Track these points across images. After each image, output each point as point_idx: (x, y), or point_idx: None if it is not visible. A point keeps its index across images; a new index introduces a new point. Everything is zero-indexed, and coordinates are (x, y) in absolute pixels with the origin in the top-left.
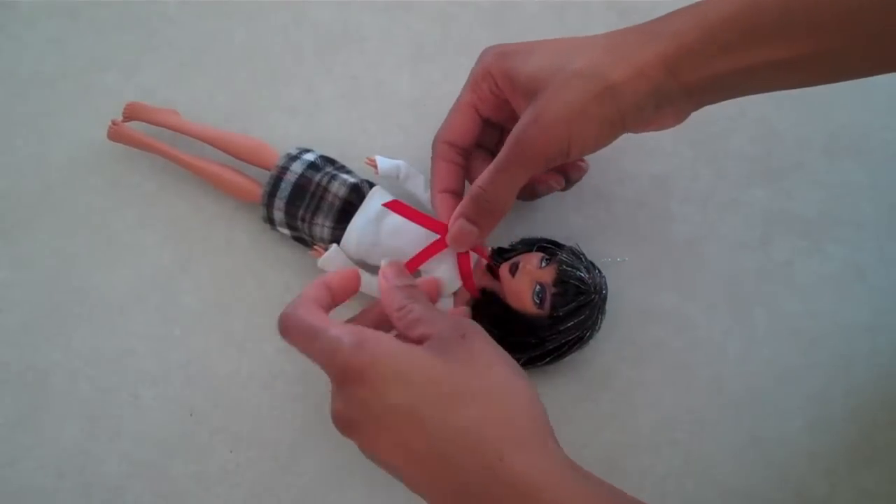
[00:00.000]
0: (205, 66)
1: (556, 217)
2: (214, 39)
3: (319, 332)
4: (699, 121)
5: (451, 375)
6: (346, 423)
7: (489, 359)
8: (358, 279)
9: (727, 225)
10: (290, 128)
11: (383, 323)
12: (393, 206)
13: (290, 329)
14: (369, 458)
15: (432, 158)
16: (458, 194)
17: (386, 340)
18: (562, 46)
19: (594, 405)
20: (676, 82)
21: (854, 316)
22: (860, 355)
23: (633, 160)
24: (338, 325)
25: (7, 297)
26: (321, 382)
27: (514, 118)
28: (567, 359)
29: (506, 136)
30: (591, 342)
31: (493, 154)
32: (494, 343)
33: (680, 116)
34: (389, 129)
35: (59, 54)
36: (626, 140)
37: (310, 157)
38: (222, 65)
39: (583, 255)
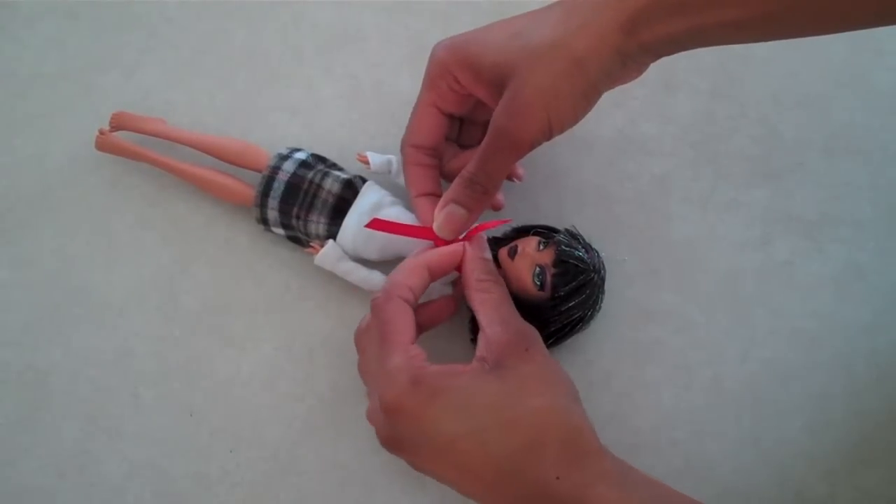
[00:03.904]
0: (205, 67)
1: (556, 217)
2: (214, 40)
3: (387, 350)
4: (699, 121)
5: (510, 398)
6: (397, 445)
7: (547, 376)
8: (460, 254)
9: (727, 225)
10: (290, 128)
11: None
12: (374, 225)
13: (376, 321)
14: (419, 471)
15: (403, 163)
16: (436, 195)
17: (441, 374)
18: (515, 26)
19: (594, 405)
20: (636, 43)
21: (854, 316)
22: (860, 355)
23: (633, 160)
24: (403, 350)
25: (7, 297)
26: (321, 382)
27: (479, 108)
28: (567, 359)
29: (467, 126)
30: (592, 342)
31: (460, 144)
32: (553, 359)
33: (641, 70)
34: (389, 129)
35: (59, 54)
36: (627, 140)
37: (301, 155)
38: (222, 65)
39: (580, 235)
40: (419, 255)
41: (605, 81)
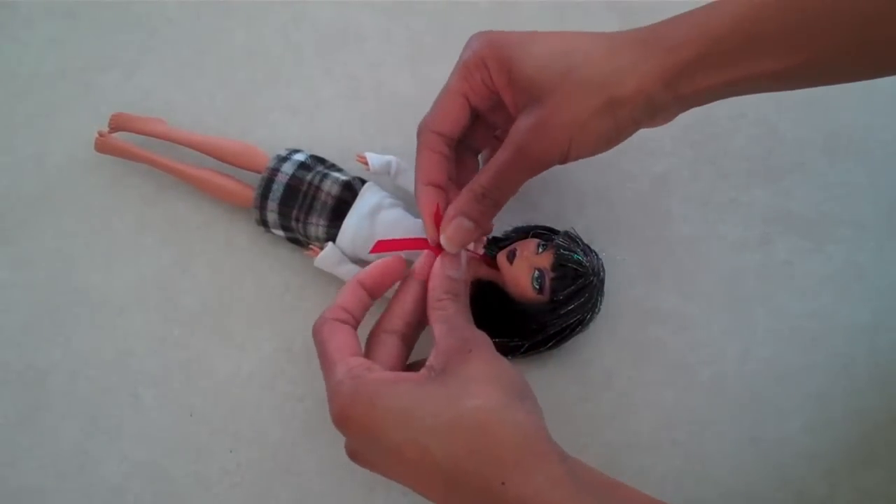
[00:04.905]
0: (205, 67)
1: (556, 217)
2: (214, 40)
3: (329, 368)
4: (699, 121)
5: (450, 401)
6: (356, 456)
7: (488, 376)
8: (395, 267)
9: (727, 225)
10: (290, 128)
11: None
12: (379, 247)
13: (316, 345)
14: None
15: (419, 146)
16: (442, 188)
17: (382, 381)
18: (560, 45)
19: (594, 405)
20: (672, 95)
21: (854, 316)
22: (860, 355)
23: (633, 160)
24: (343, 362)
25: (7, 297)
26: (321, 382)
27: (498, 108)
28: (567, 359)
29: (483, 128)
30: (592, 342)
31: (466, 146)
32: (498, 359)
33: (668, 119)
34: (389, 129)
35: (59, 54)
36: (627, 140)
37: (300, 157)
38: (222, 65)
39: (579, 238)
40: (356, 275)
41: (632, 128)
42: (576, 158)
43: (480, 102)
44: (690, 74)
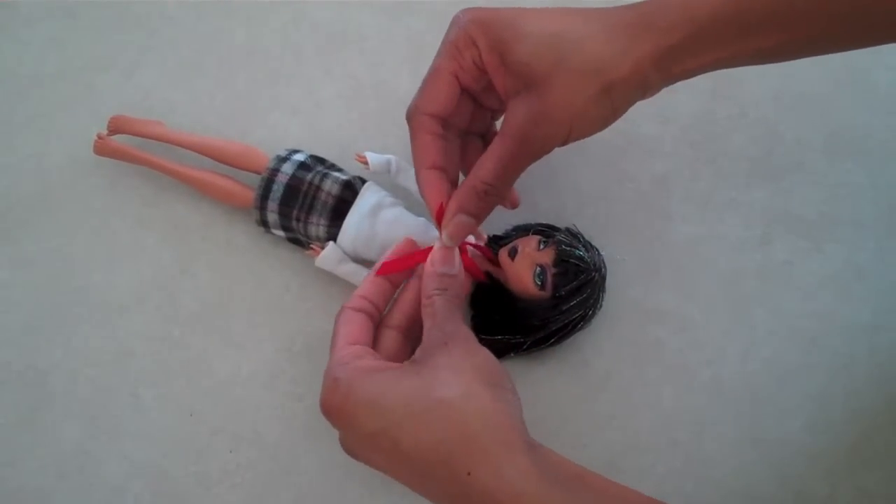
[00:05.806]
0: (205, 67)
1: (556, 217)
2: (214, 39)
3: (330, 356)
4: (699, 121)
5: (420, 391)
6: (344, 447)
7: (461, 365)
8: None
9: (727, 225)
10: (290, 128)
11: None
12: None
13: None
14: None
15: (413, 131)
16: (443, 170)
17: (358, 373)
18: (554, 26)
19: (594, 405)
20: (663, 76)
21: (854, 316)
22: (860, 355)
23: (633, 160)
24: (339, 351)
25: (7, 297)
26: (321, 382)
27: (490, 88)
28: (567, 359)
29: (482, 111)
30: (592, 342)
31: (478, 135)
32: (474, 350)
33: (655, 93)
34: (389, 129)
35: (59, 54)
36: (627, 140)
37: (300, 157)
38: (222, 65)
39: (580, 234)
40: (375, 266)
41: (626, 107)
42: (575, 140)
43: (472, 83)
44: (680, 56)
